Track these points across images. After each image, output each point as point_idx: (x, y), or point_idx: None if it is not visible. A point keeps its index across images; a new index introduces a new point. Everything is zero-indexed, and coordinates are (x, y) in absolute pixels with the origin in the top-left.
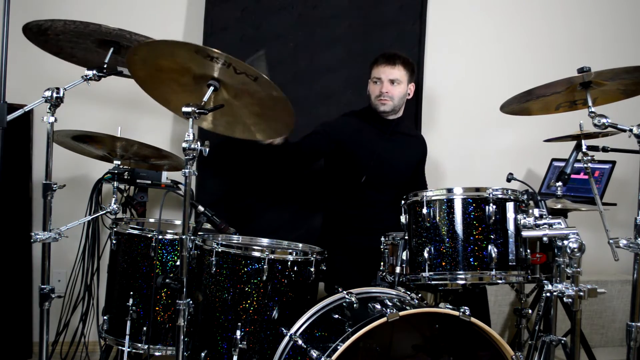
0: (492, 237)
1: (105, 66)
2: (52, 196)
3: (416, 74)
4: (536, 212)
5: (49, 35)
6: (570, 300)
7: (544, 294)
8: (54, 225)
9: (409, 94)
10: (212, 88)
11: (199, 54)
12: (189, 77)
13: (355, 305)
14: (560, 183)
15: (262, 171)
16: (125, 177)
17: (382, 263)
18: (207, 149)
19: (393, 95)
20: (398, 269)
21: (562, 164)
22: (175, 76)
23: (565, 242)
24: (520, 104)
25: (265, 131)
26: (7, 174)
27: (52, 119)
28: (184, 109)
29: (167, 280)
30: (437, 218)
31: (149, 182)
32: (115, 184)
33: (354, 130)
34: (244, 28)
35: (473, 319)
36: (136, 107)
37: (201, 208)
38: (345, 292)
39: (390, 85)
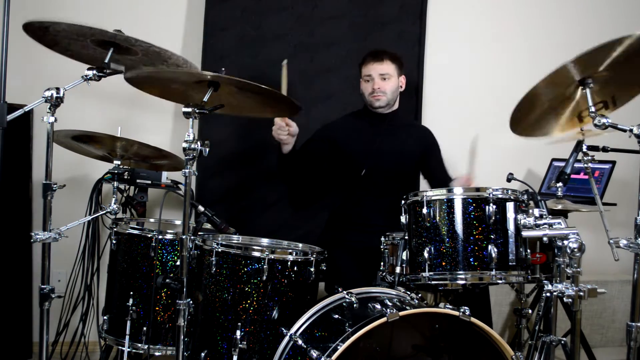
0: (492, 237)
1: (105, 66)
2: (52, 196)
3: (415, 73)
4: (536, 212)
5: (48, 30)
6: (570, 300)
7: (544, 294)
8: (54, 225)
9: (401, 87)
10: (212, 88)
11: (200, 83)
12: (190, 82)
13: (355, 305)
14: (560, 184)
15: (262, 171)
16: (125, 177)
17: (382, 263)
18: (207, 149)
19: (386, 90)
20: (398, 269)
21: (562, 164)
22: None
23: (565, 242)
24: (533, 125)
25: (273, 112)
26: (7, 174)
27: (52, 119)
28: (184, 109)
29: (167, 280)
30: (437, 218)
31: (149, 182)
32: (115, 184)
33: (349, 129)
34: (244, 28)
35: (473, 319)
36: (136, 107)
37: (201, 208)
38: (345, 292)
39: (381, 81)
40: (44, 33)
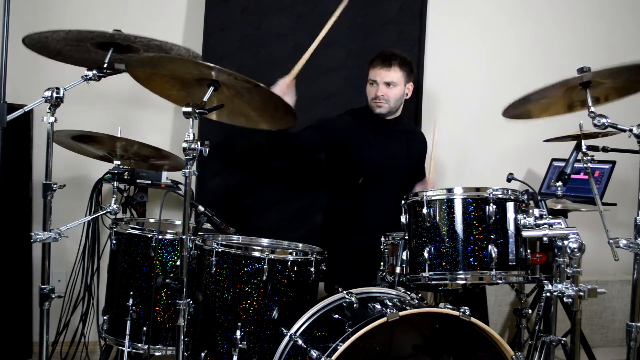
0: (492, 237)
1: (105, 66)
2: (52, 196)
3: (415, 73)
4: (536, 212)
5: (48, 41)
6: (570, 300)
7: (544, 294)
8: (54, 225)
9: (407, 94)
10: (212, 88)
11: (200, 67)
12: (190, 78)
13: (355, 305)
14: (560, 183)
15: (262, 171)
16: (125, 177)
17: (382, 263)
18: (207, 149)
19: (389, 98)
20: (398, 269)
21: (562, 164)
22: (175, 77)
23: (565, 242)
24: (521, 109)
25: (268, 122)
26: (7, 174)
27: (52, 119)
28: (184, 109)
29: (167, 280)
30: (437, 218)
31: (149, 182)
32: (115, 184)
33: (352, 128)
34: (244, 28)
35: (473, 319)
36: (136, 107)
37: (201, 208)
38: (345, 292)
39: (385, 88)
40: (44, 44)
